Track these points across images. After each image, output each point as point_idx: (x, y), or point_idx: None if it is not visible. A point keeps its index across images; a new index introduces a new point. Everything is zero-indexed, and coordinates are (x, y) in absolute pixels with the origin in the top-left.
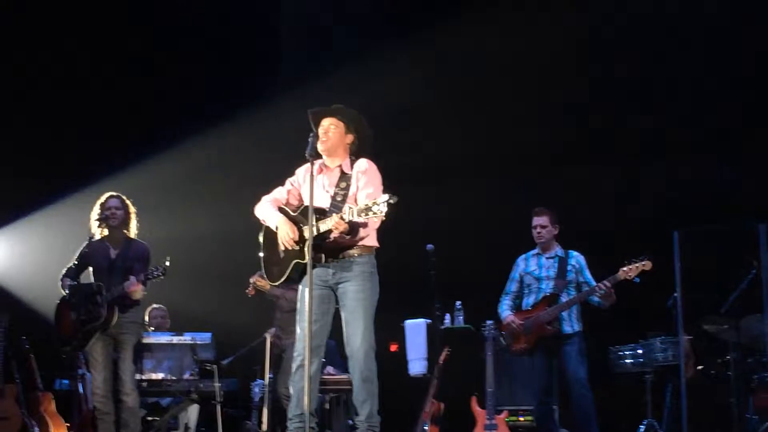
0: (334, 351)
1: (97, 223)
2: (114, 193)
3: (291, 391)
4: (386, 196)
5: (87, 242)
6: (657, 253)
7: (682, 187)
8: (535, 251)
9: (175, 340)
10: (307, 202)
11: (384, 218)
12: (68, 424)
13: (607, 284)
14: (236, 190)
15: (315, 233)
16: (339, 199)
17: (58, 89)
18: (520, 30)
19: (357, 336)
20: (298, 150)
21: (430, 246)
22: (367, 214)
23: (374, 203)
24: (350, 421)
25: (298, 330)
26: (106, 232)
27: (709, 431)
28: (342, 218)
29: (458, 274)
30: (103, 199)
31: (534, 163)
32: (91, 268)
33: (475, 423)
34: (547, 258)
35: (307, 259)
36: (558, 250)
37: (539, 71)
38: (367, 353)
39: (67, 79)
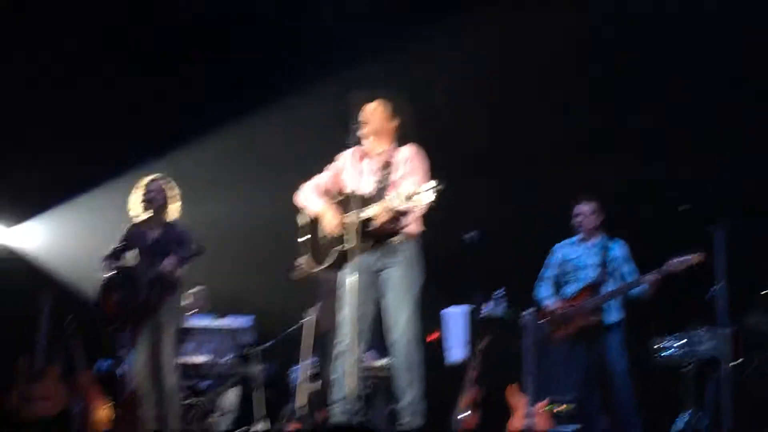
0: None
1: (140, 205)
2: (156, 176)
3: (333, 375)
4: (432, 183)
5: (129, 225)
6: (701, 243)
7: (728, 179)
8: (577, 238)
9: (216, 323)
10: (349, 189)
11: (431, 205)
12: (111, 405)
13: (657, 276)
14: (278, 172)
15: (359, 220)
16: (383, 185)
17: (99, 75)
18: None
19: (400, 323)
20: (341, 135)
21: (473, 233)
22: (413, 201)
23: (421, 190)
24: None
25: (340, 317)
26: (147, 214)
27: (751, 425)
28: (387, 205)
29: (500, 261)
30: (145, 181)
31: (581, 150)
32: (133, 251)
33: (514, 410)
34: (589, 246)
35: (352, 246)
36: (601, 238)
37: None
38: (410, 340)
39: (109, 62)
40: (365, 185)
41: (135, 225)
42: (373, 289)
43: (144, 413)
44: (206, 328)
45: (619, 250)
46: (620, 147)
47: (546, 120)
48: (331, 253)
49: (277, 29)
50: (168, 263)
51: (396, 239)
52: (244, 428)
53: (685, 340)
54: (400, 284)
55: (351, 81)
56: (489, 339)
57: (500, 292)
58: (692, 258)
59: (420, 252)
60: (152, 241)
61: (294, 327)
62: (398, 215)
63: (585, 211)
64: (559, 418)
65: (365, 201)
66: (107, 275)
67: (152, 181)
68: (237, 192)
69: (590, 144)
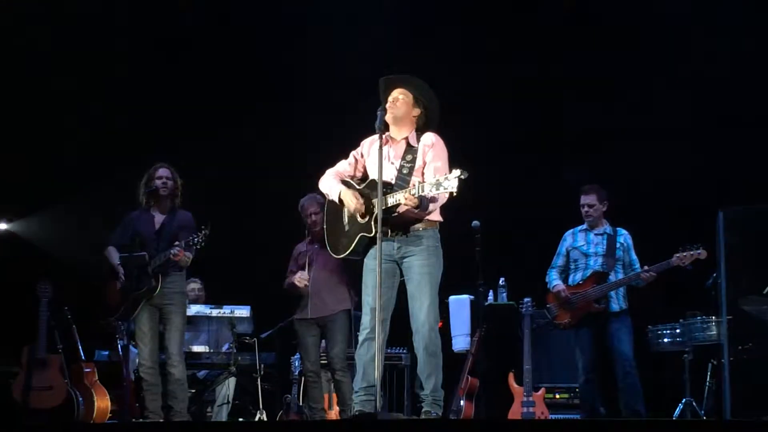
0: None
1: (147, 192)
2: (164, 164)
3: (357, 363)
4: (458, 171)
5: (132, 212)
6: (699, 231)
7: (729, 166)
8: (584, 227)
9: (215, 312)
10: (371, 175)
11: (455, 193)
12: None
13: (653, 273)
14: (279, 162)
15: (383, 207)
16: (405, 171)
17: (111, 74)
18: None
19: (422, 310)
20: (338, 126)
21: (476, 222)
22: (437, 189)
23: (445, 178)
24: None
25: (364, 304)
26: (154, 201)
27: (748, 411)
28: (411, 192)
29: (503, 251)
30: (153, 168)
31: (581, 139)
32: (138, 238)
33: (512, 400)
34: (595, 234)
35: (378, 232)
36: (606, 227)
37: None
38: (432, 327)
39: (121, 60)
40: (387, 171)
41: (140, 212)
42: (395, 276)
43: (149, 404)
44: (204, 317)
45: (623, 238)
46: (622, 136)
47: (543, 110)
48: (355, 240)
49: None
50: (176, 250)
51: (417, 226)
52: (242, 419)
53: (683, 328)
54: (421, 271)
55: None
56: (484, 328)
57: (502, 281)
58: (698, 253)
59: (440, 239)
60: (158, 227)
61: (293, 316)
62: (423, 202)
63: (589, 201)
64: (561, 406)
65: (388, 188)
66: (111, 263)
67: (161, 167)
68: (233, 184)
69: (594, 134)
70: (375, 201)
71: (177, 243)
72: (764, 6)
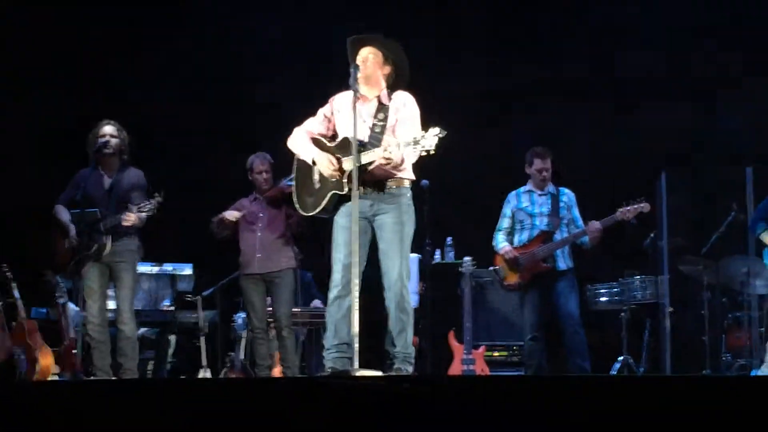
0: (311, 284)
1: (93, 152)
2: (110, 120)
3: (327, 321)
4: (436, 130)
5: (82, 170)
6: (639, 193)
7: (668, 130)
8: (527, 188)
9: (156, 270)
10: (342, 134)
11: (432, 152)
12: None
13: (599, 227)
14: (228, 116)
15: (357, 165)
16: (377, 130)
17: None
18: None
19: (395, 268)
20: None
21: (425, 182)
22: (414, 147)
23: (422, 136)
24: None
25: (333, 262)
26: (103, 159)
27: (684, 368)
28: (387, 150)
29: (450, 210)
30: (98, 126)
31: (526, 100)
32: (88, 196)
33: (452, 357)
34: (539, 195)
35: (353, 190)
36: (550, 187)
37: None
38: (404, 284)
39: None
40: (359, 130)
41: (90, 171)
42: (366, 234)
43: (97, 361)
44: (145, 274)
45: (567, 196)
46: (564, 95)
47: (489, 69)
48: (326, 198)
49: None
50: (126, 215)
51: (390, 184)
52: (183, 376)
53: (621, 287)
54: (393, 229)
55: None
56: (423, 287)
57: (449, 240)
58: (641, 206)
59: (412, 197)
60: (106, 187)
61: (235, 274)
62: (395, 160)
63: (547, 166)
64: (499, 364)
65: (361, 146)
66: (61, 220)
67: (107, 124)
68: (177, 136)
69: (534, 92)
70: (346, 159)
71: (128, 207)
72: None
